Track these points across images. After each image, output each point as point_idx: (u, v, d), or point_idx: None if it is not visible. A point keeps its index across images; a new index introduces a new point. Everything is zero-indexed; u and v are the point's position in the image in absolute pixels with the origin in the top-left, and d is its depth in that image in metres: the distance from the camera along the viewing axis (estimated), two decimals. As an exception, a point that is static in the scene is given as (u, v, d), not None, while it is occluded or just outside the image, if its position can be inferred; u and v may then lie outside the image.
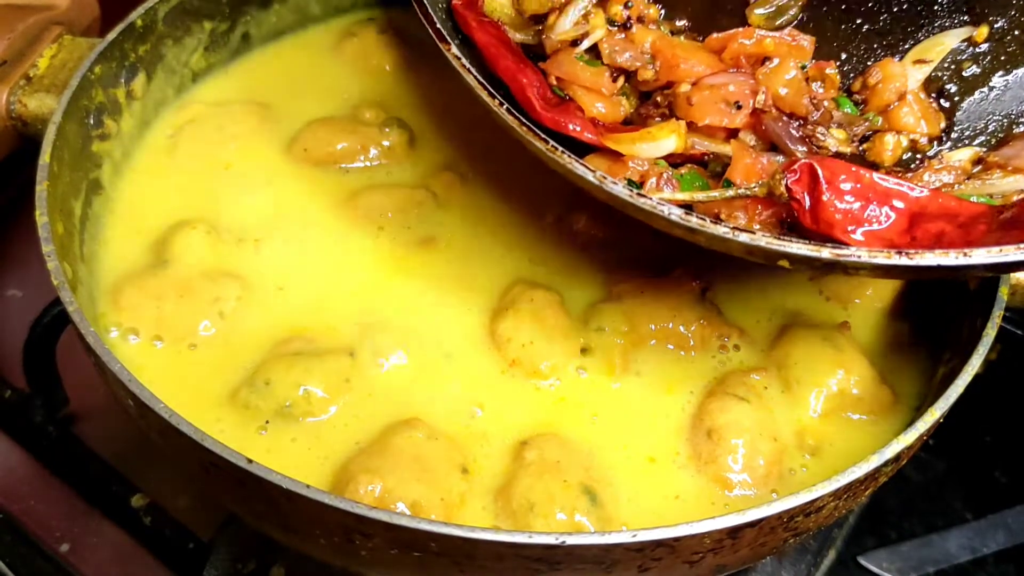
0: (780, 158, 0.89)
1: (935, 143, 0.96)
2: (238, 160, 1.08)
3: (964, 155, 0.93)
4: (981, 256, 0.73)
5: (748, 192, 0.83)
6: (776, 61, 0.92)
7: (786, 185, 0.80)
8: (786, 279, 1.01)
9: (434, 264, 1.00)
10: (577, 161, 0.82)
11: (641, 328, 0.94)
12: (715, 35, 0.96)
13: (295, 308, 0.96)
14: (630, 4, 0.95)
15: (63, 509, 1.09)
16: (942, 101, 0.98)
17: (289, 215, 1.03)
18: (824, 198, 0.79)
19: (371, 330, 0.94)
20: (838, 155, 0.91)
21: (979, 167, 0.92)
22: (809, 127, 0.91)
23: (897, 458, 0.78)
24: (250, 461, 0.72)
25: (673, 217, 0.78)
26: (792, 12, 1.01)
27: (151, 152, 1.09)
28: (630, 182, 0.85)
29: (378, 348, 0.93)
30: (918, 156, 0.96)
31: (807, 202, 0.79)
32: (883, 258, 0.75)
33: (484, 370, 0.92)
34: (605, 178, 0.80)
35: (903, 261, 0.74)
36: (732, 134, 0.90)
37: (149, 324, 0.93)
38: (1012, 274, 0.92)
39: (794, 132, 0.89)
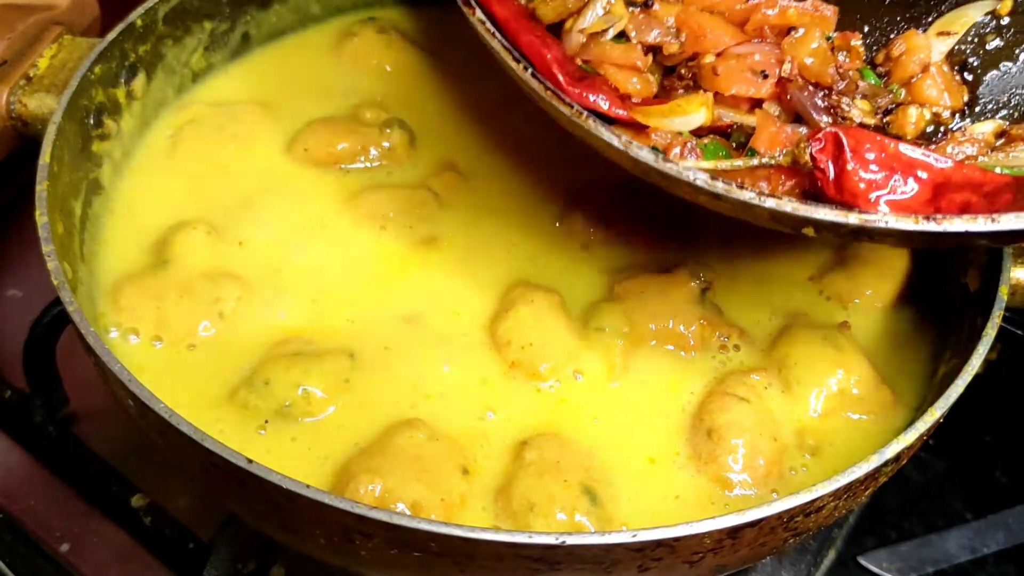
0: (804, 129, 0.88)
1: (957, 116, 0.96)
2: (238, 160, 1.08)
3: (987, 128, 0.93)
4: (1010, 221, 0.72)
5: (772, 161, 0.82)
6: (801, 31, 0.92)
7: (811, 154, 0.79)
8: (786, 279, 1.01)
9: (436, 264, 1.00)
10: (603, 126, 0.80)
11: (641, 328, 0.94)
12: (738, 6, 0.95)
13: (295, 308, 0.96)
14: None
15: (63, 509, 1.09)
16: (965, 74, 0.98)
17: (290, 215, 1.03)
18: (848, 167, 0.78)
19: (371, 330, 0.94)
20: (862, 126, 0.90)
21: (1002, 140, 0.92)
22: (834, 97, 0.90)
23: (897, 458, 0.78)
24: (250, 461, 0.72)
25: (699, 182, 0.77)
26: None
27: (151, 152, 1.09)
28: (654, 148, 0.83)
29: (378, 348, 0.93)
30: (941, 129, 0.96)
31: (831, 171, 0.79)
32: (911, 223, 0.74)
33: (485, 371, 0.92)
34: (631, 143, 0.79)
35: (931, 227, 0.73)
36: (756, 104, 0.90)
37: (149, 324, 0.93)
38: (1012, 274, 0.92)
39: (819, 102, 0.89)
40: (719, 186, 0.77)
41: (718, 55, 0.91)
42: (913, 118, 0.93)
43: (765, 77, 0.89)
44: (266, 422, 0.87)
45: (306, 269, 0.99)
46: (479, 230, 1.03)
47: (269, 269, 0.99)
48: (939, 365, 0.95)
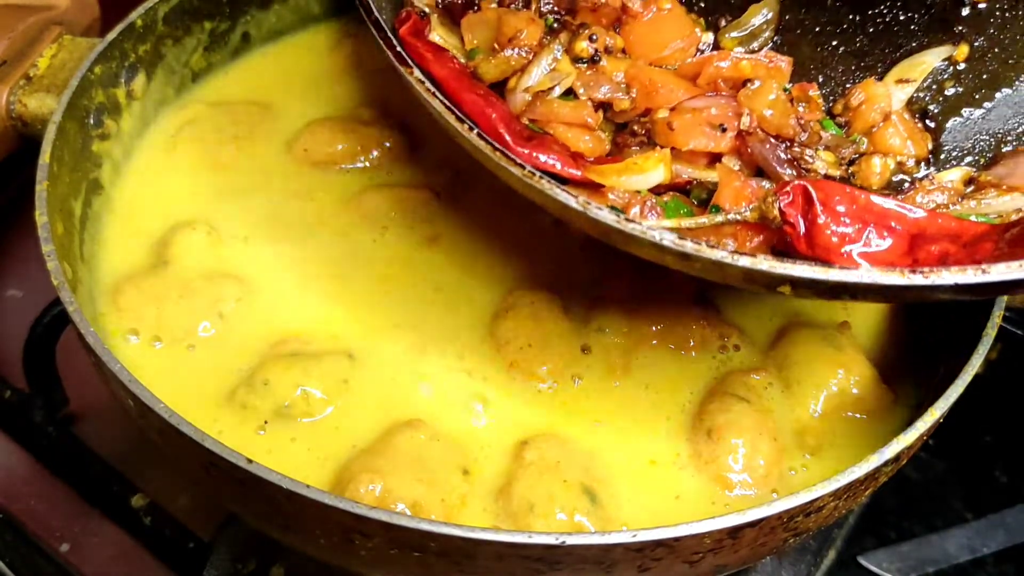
0: (767, 184, 0.85)
1: (923, 165, 0.94)
2: (238, 160, 1.08)
3: (955, 175, 0.91)
4: (1000, 272, 0.69)
5: (739, 217, 0.79)
6: (757, 83, 0.89)
7: (779, 208, 0.76)
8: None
9: (437, 264, 1.00)
10: (558, 187, 0.77)
11: (641, 328, 0.94)
12: (688, 60, 0.93)
13: (296, 309, 0.96)
14: (595, 37, 0.91)
15: (63, 509, 1.09)
16: (927, 122, 0.96)
17: (290, 215, 1.03)
18: (820, 221, 0.75)
19: (371, 331, 0.94)
20: (827, 178, 0.87)
21: (972, 187, 0.90)
22: (796, 149, 0.87)
23: (897, 458, 0.78)
24: (250, 461, 0.72)
25: (666, 242, 0.74)
26: (766, 35, 1.00)
27: (151, 152, 1.09)
28: (613, 208, 0.79)
29: (377, 349, 0.93)
30: (907, 179, 0.93)
31: (802, 226, 0.76)
32: (896, 277, 0.71)
33: (486, 372, 0.92)
34: (589, 204, 0.76)
35: (918, 280, 0.70)
36: (714, 159, 0.87)
37: (149, 324, 0.93)
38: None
39: (782, 155, 0.85)
40: (688, 246, 0.73)
41: (672, 110, 0.88)
42: (878, 168, 0.90)
43: (724, 131, 0.85)
44: (265, 423, 0.87)
45: (307, 269, 0.99)
46: (480, 230, 1.03)
47: (270, 270, 0.99)
48: (939, 365, 0.95)
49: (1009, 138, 0.93)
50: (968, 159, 0.94)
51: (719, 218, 0.80)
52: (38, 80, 1.07)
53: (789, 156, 0.86)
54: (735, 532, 0.72)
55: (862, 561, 1.11)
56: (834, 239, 0.75)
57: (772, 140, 0.86)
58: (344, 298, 0.97)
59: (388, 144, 1.09)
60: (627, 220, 0.75)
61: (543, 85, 0.89)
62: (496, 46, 0.92)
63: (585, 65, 0.91)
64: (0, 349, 1.23)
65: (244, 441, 0.85)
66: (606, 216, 0.75)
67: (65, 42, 1.11)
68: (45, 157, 0.92)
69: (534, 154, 0.83)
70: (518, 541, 0.69)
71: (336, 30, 1.25)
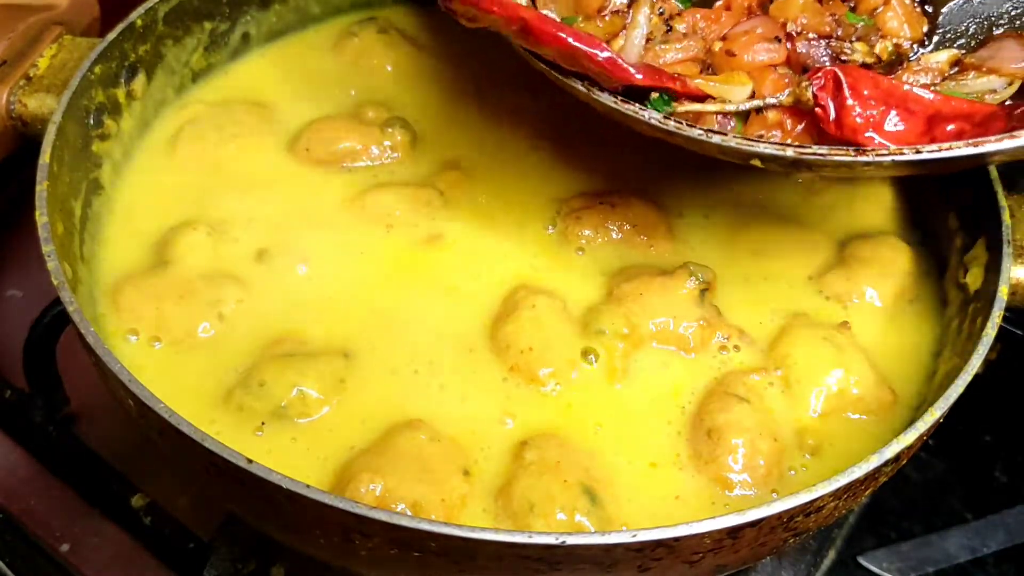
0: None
1: (917, 47, 1.00)
2: (239, 160, 1.08)
3: (942, 57, 0.96)
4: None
5: (776, 101, 0.87)
6: None
7: (812, 92, 0.84)
8: (786, 278, 1.01)
9: (439, 263, 1.00)
10: (570, 74, 0.87)
11: (642, 330, 0.94)
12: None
13: (296, 310, 0.96)
14: (661, 10, 0.98)
15: (63, 509, 1.09)
16: (925, 7, 1.01)
17: (292, 215, 1.03)
18: (848, 103, 0.83)
19: (371, 331, 0.94)
20: (864, 66, 0.94)
21: (955, 69, 0.95)
22: (835, 43, 0.95)
23: (897, 458, 0.78)
24: (250, 461, 0.72)
25: (653, 121, 0.86)
26: None
27: (151, 152, 1.09)
28: (613, 92, 0.89)
29: (377, 349, 0.93)
30: (900, 60, 0.99)
31: (832, 109, 0.84)
32: (910, 154, 0.80)
33: (486, 373, 0.92)
34: (592, 86, 0.87)
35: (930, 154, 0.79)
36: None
37: (148, 325, 0.93)
38: (1012, 274, 0.92)
39: (824, 51, 0.94)
40: (671, 124, 0.85)
41: (723, 39, 0.94)
42: (876, 49, 0.97)
43: (779, 41, 0.93)
44: (263, 423, 0.87)
45: (308, 269, 0.99)
46: (482, 230, 1.03)
47: (270, 270, 0.99)
48: (939, 365, 0.95)
49: (1001, 21, 0.98)
50: (961, 42, 1.00)
51: (758, 102, 0.89)
52: (38, 80, 1.07)
53: (830, 52, 0.95)
54: (735, 532, 0.72)
55: (862, 561, 1.11)
56: (859, 120, 0.84)
57: (815, 40, 0.95)
58: (344, 298, 0.97)
59: (390, 143, 1.09)
60: (623, 101, 0.87)
61: (652, 35, 0.98)
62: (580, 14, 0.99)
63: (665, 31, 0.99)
64: (0, 349, 1.23)
65: (242, 442, 0.85)
66: (606, 98, 0.88)
67: (65, 42, 1.11)
68: (45, 157, 0.92)
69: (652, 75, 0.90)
70: (518, 541, 0.69)
71: (336, 30, 1.25)
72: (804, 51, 0.94)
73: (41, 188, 0.90)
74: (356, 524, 0.71)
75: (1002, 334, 0.88)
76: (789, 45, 0.93)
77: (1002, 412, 1.24)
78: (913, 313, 1.00)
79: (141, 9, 1.07)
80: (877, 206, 1.09)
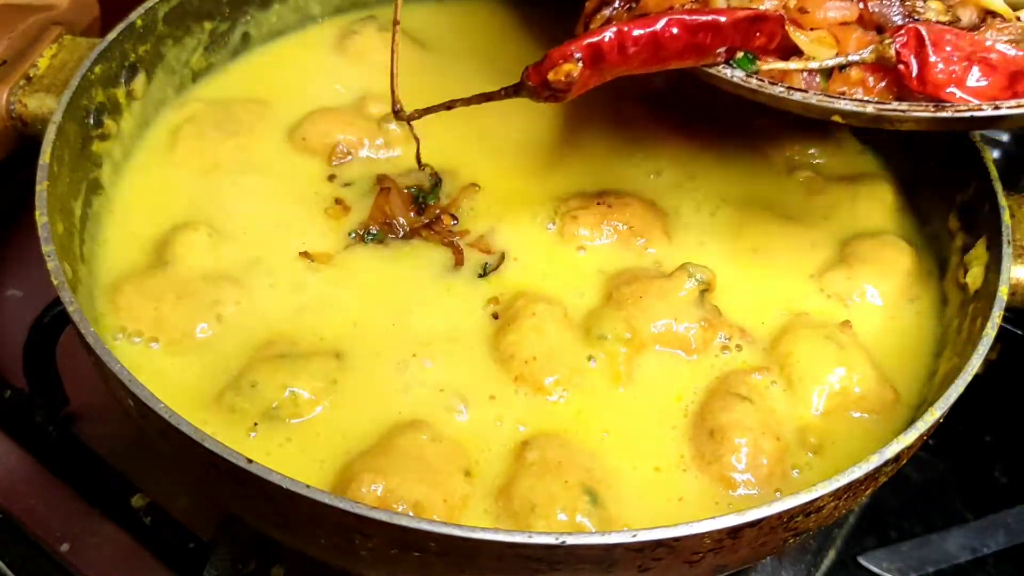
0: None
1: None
2: (239, 158, 1.08)
3: None
4: None
5: (859, 59, 0.88)
6: None
7: (895, 49, 0.86)
8: (787, 277, 1.01)
9: (438, 263, 1.00)
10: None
11: (643, 333, 0.93)
12: None
13: (296, 311, 0.96)
14: None
15: (63, 509, 1.09)
16: None
17: (291, 214, 1.03)
18: (931, 59, 0.85)
19: (371, 331, 0.94)
20: (938, 23, 0.93)
21: None
22: (908, 2, 0.94)
23: (897, 458, 0.78)
24: (250, 461, 0.72)
25: (736, 79, 0.88)
26: None
27: (151, 152, 1.09)
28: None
29: (373, 350, 0.93)
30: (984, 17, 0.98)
31: (914, 66, 0.85)
32: (989, 109, 0.82)
33: (487, 375, 0.91)
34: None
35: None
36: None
37: (147, 325, 0.93)
38: (1012, 274, 0.92)
39: (897, 9, 0.93)
40: (753, 82, 0.88)
41: None
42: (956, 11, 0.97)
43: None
44: (255, 424, 0.86)
45: (306, 270, 0.99)
46: (481, 227, 1.03)
47: (271, 270, 0.98)
48: (939, 365, 0.95)
49: None
50: None
51: (841, 60, 0.90)
52: (38, 80, 1.07)
53: (904, 10, 0.94)
54: (735, 532, 0.72)
55: (862, 561, 1.11)
56: (941, 76, 0.85)
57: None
58: (343, 298, 0.97)
59: (388, 139, 1.09)
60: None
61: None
62: None
63: None
64: (0, 349, 1.23)
65: (236, 443, 0.84)
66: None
67: (65, 42, 1.11)
68: (45, 157, 0.92)
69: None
70: (518, 541, 0.69)
71: (336, 29, 1.25)
72: (877, 10, 0.93)
73: (41, 188, 0.90)
74: (356, 524, 0.71)
75: (1002, 334, 0.88)
76: (862, 4, 0.93)
77: (1002, 412, 1.24)
78: (914, 312, 1.00)
79: (141, 9, 1.07)
80: (878, 205, 1.08)
